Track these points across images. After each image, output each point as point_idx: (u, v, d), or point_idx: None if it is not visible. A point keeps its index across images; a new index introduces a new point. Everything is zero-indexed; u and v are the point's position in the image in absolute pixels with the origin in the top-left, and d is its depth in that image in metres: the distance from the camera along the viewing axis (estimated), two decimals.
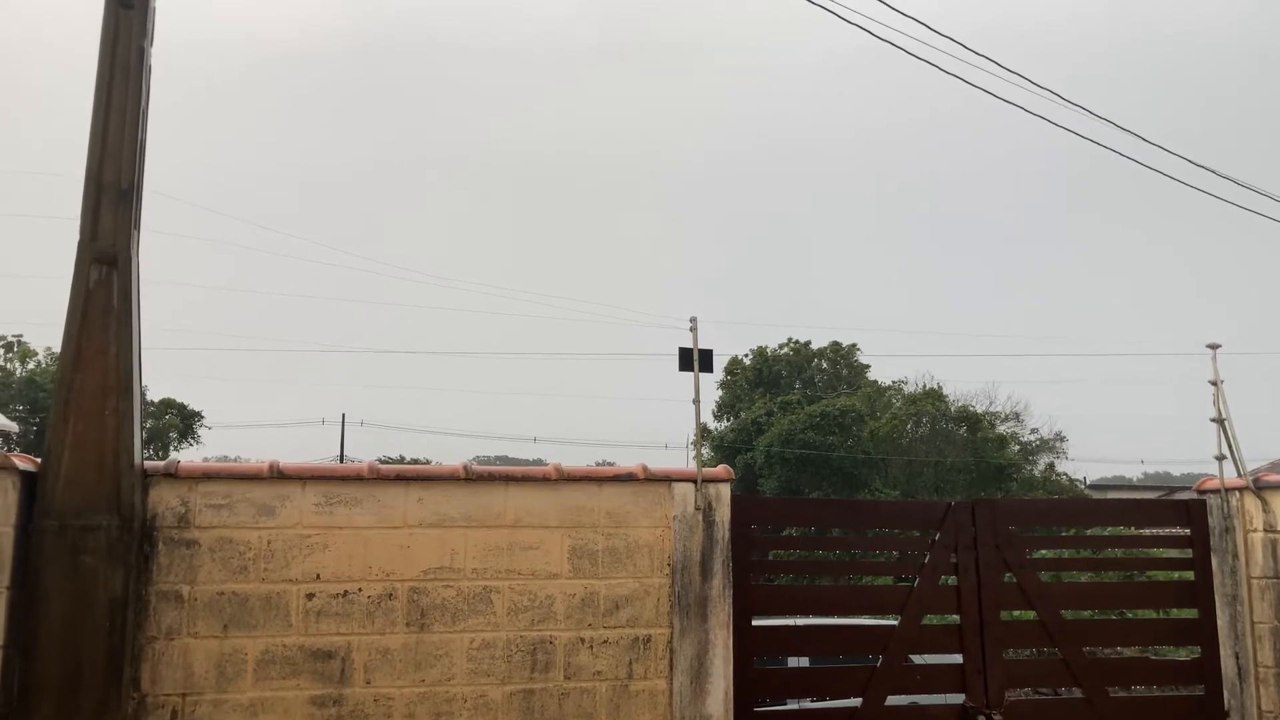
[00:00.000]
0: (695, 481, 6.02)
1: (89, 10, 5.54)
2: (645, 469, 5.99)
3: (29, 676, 4.88)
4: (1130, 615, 8.67)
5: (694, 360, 6.26)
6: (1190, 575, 6.86)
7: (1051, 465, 41.26)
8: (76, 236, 5.33)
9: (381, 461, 5.88)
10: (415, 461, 33.12)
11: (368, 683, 5.44)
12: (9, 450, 4.95)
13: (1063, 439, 42.04)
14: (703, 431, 6.41)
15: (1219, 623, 6.71)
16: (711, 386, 46.70)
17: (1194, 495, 7.05)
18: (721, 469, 6.18)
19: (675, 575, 5.89)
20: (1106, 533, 10.05)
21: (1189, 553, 6.89)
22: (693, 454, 7.45)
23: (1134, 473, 63.55)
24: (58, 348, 5.45)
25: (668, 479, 6.01)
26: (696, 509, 5.99)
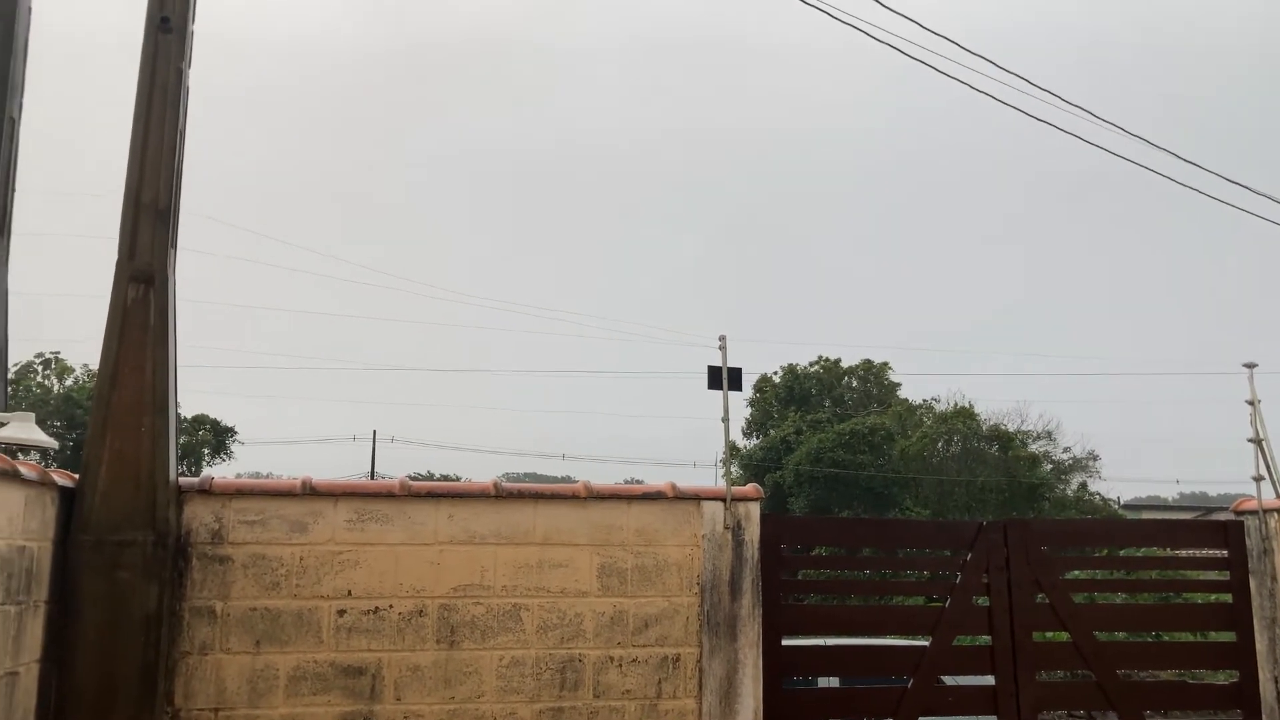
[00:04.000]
0: (724, 500, 6.01)
1: (130, 33, 5.66)
2: (674, 487, 5.99)
3: (65, 690, 4.94)
4: (1166, 638, 8.55)
5: (723, 378, 6.26)
6: (1228, 598, 6.76)
7: (1084, 485, 40.79)
8: (115, 255, 5.42)
9: (412, 478, 5.91)
10: (445, 478, 33.25)
11: (398, 699, 5.46)
12: (47, 466, 5.03)
13: (1096, 458, 41.57)
14: (731, 450, 6.41)
15: (1258, 646, 6.60)
16: (741, 404, 46.58)
17: (1231, 516, 6.96)
18: (751, 488, 6.17)
19: (704, 594, 5.88)
20: (1141, 554, 9.92)
21: (1226, 575, 6.79)
22: (721, 472, 7.44)
23: (1169, 493, 62.69)
24: (95, 365, 5.53)
25: (697, 497, 6.00)
26: (726, 528, 5.98)
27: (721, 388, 6.25)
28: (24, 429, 4.10)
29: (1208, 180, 9.45)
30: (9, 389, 5.62)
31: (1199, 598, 7.36)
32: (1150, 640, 8.37)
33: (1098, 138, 8.94)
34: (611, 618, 5.76)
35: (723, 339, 6.31)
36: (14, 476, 4.39)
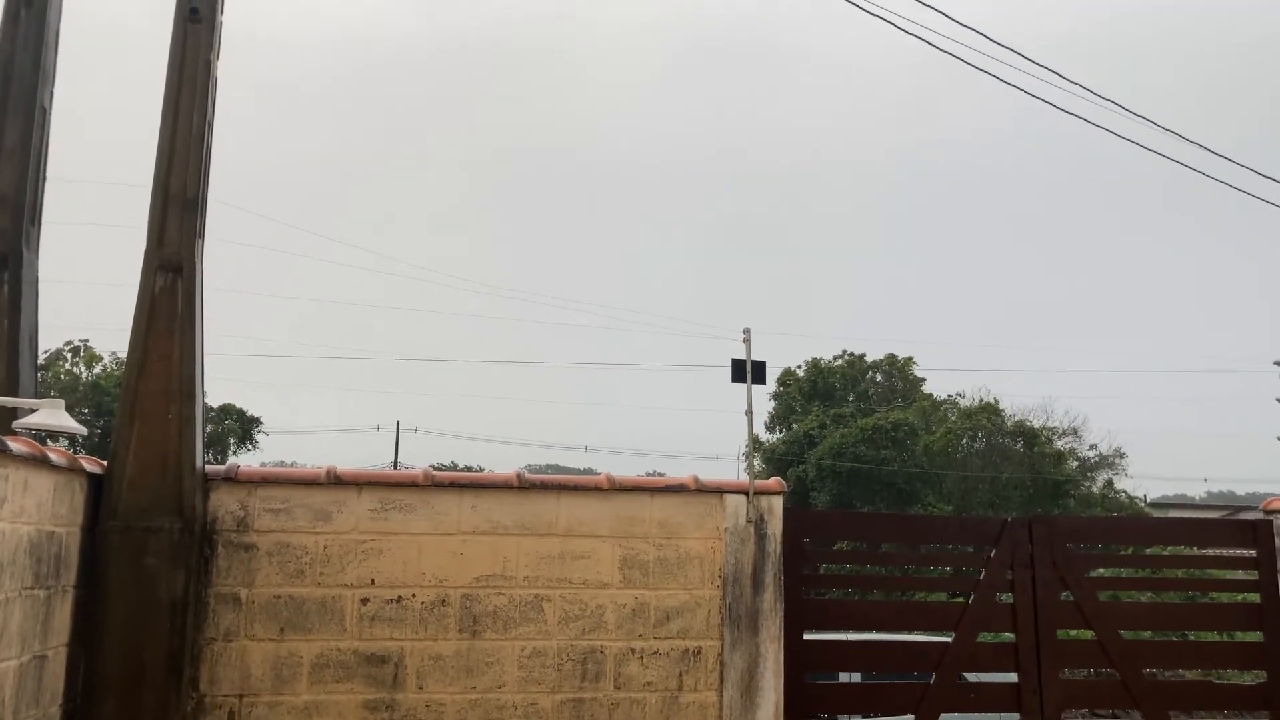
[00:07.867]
0: (747, 493, 5.99)
1: (159, 23, 5.69)
2: (697, 480, 5.98)
3: (92, 674, 5.00)
4: (1192, 637, 8.48)
5: (746, 371, 6.25)
6: (1255, 597, 6.69)
7: (1110, 482, 40.43)
8: (143, 244, 5.46)
9: (435, 468, 5.94)
10: (468, 469, 33.37)
11: (420, 688, 5.48)
12: (75, 453, 5.08)
13: (1122, 455, 41.19)
14: (754, 443, 6.37)
15: None
16: (764, 398, 46.43)
17: (1260, 515, 6.88)
18: (774, 481, 6.15)
19: (726, 587, 5.87)
20: (1167, 552, 9.84)
21: (1255, 574, 6.72)
22: (744, 465, 7.41)
23: (1197, 491, 62.00)
24: (123, 353, 5.58)
25: (719, 490, 5.99)
26: (748, 521, 5.97)
27: (745, 380, 6.24)
28: (54, 415, 4.14)
29: (1240, 174, 9.34)
30: (38, 376, 5.68)
31: (1225, 597, 7.28)
32: (1176, 639, 8.29)
33: (1121, 128, 8.85)
34: (633, 610, 5.76)
35: (747, 332, 6.29)
36: (43, 462, 4.43)
